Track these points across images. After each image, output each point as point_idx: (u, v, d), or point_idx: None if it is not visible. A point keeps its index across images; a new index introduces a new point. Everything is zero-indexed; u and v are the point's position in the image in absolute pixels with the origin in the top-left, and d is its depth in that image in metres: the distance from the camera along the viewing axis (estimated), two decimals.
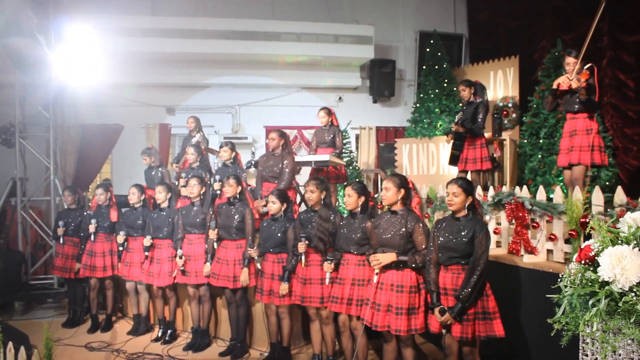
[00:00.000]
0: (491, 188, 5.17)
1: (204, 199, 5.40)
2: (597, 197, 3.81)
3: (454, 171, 6.93)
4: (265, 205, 4.92)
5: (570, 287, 2.39)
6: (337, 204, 6.93)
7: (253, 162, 6.36)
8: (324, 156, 6.38)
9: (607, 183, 6.97)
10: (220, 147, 6.20)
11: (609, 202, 3.83)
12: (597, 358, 2.36)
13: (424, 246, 3.74)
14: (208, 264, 5.12)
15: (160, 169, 6.79)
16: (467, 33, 10.61)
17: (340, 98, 10.24)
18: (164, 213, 5.58)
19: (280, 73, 9.74)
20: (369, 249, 4.00)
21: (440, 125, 8.51)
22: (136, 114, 9.33)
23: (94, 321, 6.05)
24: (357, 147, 10.09)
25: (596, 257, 2.33)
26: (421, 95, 8.99)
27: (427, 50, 9.34)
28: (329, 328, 4.48)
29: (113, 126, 9.06)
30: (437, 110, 8.65)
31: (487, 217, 4.64)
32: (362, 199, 4.21)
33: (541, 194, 4.16)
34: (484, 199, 4.73)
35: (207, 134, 7.78)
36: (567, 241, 3.90)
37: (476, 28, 10.50)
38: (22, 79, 7.29)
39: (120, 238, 5.74)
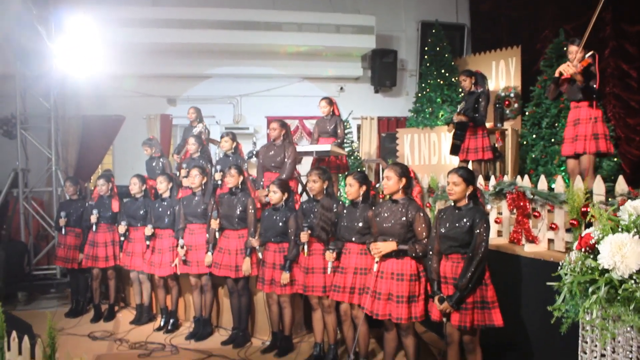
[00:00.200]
0: (492, 178, 5.17)
1: (205, 189, 5.41)
2: (599, 186, 3.80)
3: (455, 161, 6.92)
4: (267, 195, 4.92)
5: (571, 274, 2.40)
6: (338, 194, 6.93)
7: (254, 153, 6.37)
8: (325, 146, 6.37)
9: (609, 173, 6.95)
10: (221, 137, 6.20)
11: (610, 192, 3.82)
12: (596, 345, 2.37)
13: (424, 235, 3.75)
14: (209, 253, 5.14)
15: (161, 159, 6.80)
16: (469, 23, 10.56)
17: (341, 88, 10.24)
18: (166, 203, 5.60)
19: (281, 63, 9.73)
20: (369, 238, 4.01)
21: (442, 116, 8.49)
22: (137, 105, 9.33)
23: (97, 311, 6.08)
24: (358, 137, 10.09)
25: (596, 245, 2.34)
26: (423, 85, 8.97)
27: (429, 40, 9.32)
28: (331, 317, 4.49)
29: (114, 117, 9.04)
30: (438, 100, 8.63)
31: (488, 207, 4.64)
32: (364, 188, 4.21)
33: (542, 184, 4.16)
34: (486, 189, 4.72)
35: (209, 124, 7.78)
36: (568, 230, 3.90)
37: (478, 18, 10.44)
38: (23, 70, 7.28)
39: (122, 228, 5.76)
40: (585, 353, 2.42)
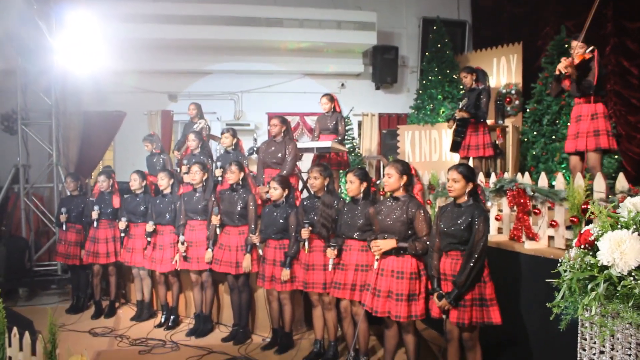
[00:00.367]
0: (493, 175, 5.17)
1: (206, 186, 5.42)
2: (599, 183, 3.81)
3: (456, 158, 6.92)
4: (268, 192, 4.93)
5: (570, 271, 2.40)
6: (339, 191, 6.94)
7: (255, 149, 6.37)
8: (326, 143, 6.37)
9: (611, 170, 6.94)
10: (222, 133, 6.18)
11: (611, 189, 3.82)
12: (595, 342, 2.37)
13: (424, 233, 3.75)
14: (210, 250, 5.15)
15: (162, 155, 6.80)
16: (470, 19, 10.53)
17: (342, 84, 10.22)
18: (166, 199, 5.61)
19: (282, 59, 9.70)
20: (371, 235, 4.02)
21: (443, 112, 8.48)
22: (138, 101, 9.34)
23: (98, 307, 6.09)
24: (359, 134, 10.07)
25: (596, 242, 2.34)
26: (424, 82, 8.96)
27: (430, 36, 9.30)
28: (331, 314, 4.50)
29: (115, 113, 9.05)
30: (439, 97, 8.62)
31: (489, 204, 4.64)
32: (364, 185, 4.21)
33: (543, 181, 4.16)
34: (486, 186, 4.73)
35: (210, 120, 7.78)
36: (568, 228, 3.90)
37: (479, 14, 10.42)
38: (24, 66, 7.27)
39: (122, 224, 5.77)
40: (585, 350, 2.43)
